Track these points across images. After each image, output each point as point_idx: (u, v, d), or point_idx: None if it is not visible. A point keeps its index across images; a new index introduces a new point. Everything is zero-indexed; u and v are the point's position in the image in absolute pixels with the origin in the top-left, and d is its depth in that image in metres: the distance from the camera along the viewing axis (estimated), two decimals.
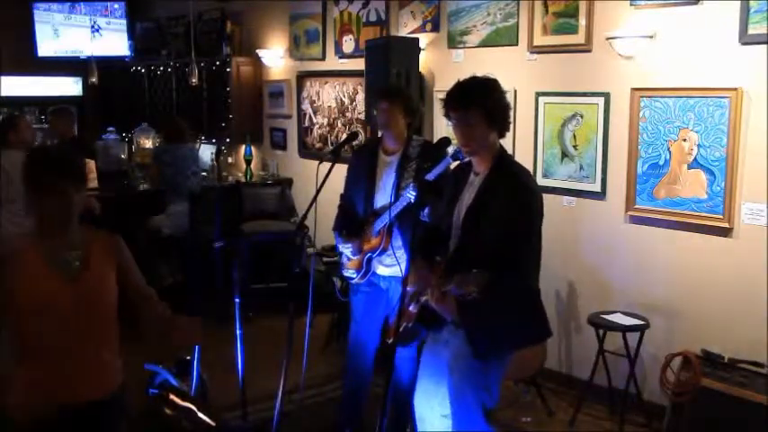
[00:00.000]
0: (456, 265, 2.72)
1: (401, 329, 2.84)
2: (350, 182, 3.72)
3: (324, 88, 6.50)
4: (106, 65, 8.04)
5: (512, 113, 2.86)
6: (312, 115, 6.69)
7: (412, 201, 3.22)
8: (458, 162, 2.93)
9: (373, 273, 3.57)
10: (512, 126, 2.89)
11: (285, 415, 3.62)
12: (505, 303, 2.69)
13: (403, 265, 3.48)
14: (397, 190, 3.46)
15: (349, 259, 3.62)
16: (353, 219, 3.62)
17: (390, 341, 2.98)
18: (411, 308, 2.87)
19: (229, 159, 7.53)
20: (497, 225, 2.60)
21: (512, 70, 4.69)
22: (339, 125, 6.35)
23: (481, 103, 2.70)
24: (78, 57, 8.16)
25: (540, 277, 2.76)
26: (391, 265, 3.51)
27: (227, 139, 7.42)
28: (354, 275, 3.61)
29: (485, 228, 2.64)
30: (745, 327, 3.75)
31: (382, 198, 3.53)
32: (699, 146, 3.91)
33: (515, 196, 2.64)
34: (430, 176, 2.98)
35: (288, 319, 3.41)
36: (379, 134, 3.72)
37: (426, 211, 3.13)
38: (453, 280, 2.58)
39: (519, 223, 2.61)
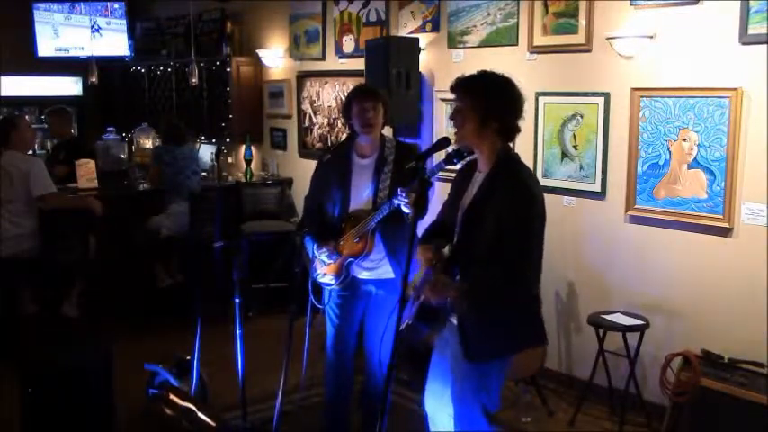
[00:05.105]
0: (454, 261, 2.72)
1: (403, 327, 2.83)
2: (319, 185, 3.60)
3: (324, 88, 6.51)
4: (106, 65, 8.05)
5: (521, 120, 2.79)
6: (312, 115, 6.69)
7: (403, 208, 3.16)
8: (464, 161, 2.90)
9: (353, 277, 3.49)
10: (516, 132, 2.82)
11: (285, 415, 3.62)
12: (499, 306, 2.69)
13: (384, 268, 3.48)
14: (376, 194, 3.40)
15: (325, 265, 3.51)
16: (329, 224, 3.51)
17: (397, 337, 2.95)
18: (413, 307, 2.86)
19: (229, 159, 7.53)
20: (494, 224, 2.59)
21: (512, 70, 4.58)
22: (339, 125, 6.35)
23: (477, 93, 2.67)
24: (78, 57, 8.16)
25: (541, 277, 2.76)
26: (372, 269, 3.46)
27: (227, 139, 7.43)
28: (333, 281, 3.50)
29: (482, 226, 2.64)
30: (745, 327, 3.74)
31: (357, 202, 3.45)
32: (699, 146, 3.91)
33: (513, 196, 2.62)
34: (430, 176, 2.94)
35: (288, 318, 3.41)
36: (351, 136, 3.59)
37: (403, 194, 3.07)
38: (434, 282, 2.59)
39: (515, 223, 2.59)
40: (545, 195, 2.77)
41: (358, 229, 3.39)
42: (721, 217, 3.84)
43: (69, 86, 9.14)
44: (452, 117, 2.75)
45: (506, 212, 2.59)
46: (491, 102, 2.68)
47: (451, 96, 2.79)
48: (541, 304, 2.87)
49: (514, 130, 2.76)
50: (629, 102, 4.19)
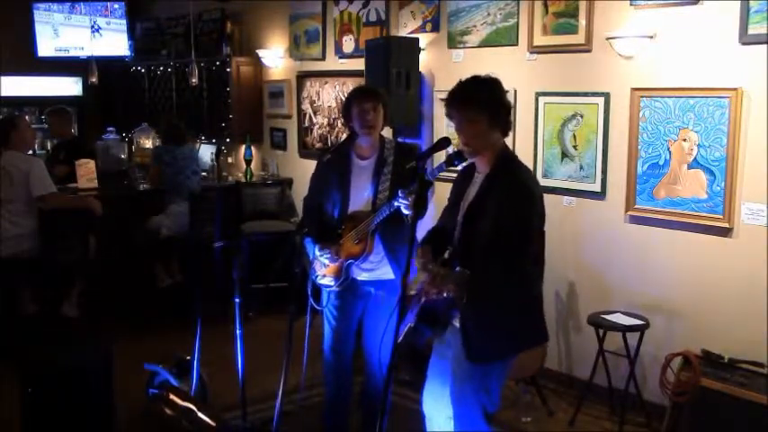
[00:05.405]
0: (454, 261, 2.72)
1: (405, 331, 2.83)
2: (319, 186, 3.59)
3: (324, 88, 6.51)
4: (106, 65, 8.04)
5: (513, 114, 2.85)
6: (312, 115, 6.69)
7: (403, 210, 3.16)
8: (465, 163, 2.90)
9: (352, 278, 3.48)
10: (512, 126, 2.88)
11: (285, 415, 3.62)
12: (501, 305, 2.70)
13: (384, 269, 3.47)
14: (376, 195, 3.40)
15: (325, 266, 3.51)
16: (329, 225, 3.51)
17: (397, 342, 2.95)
18: (414, 309, 2.86)
19: (229, 159, 7.53)
20: (492, 223, 2.60)
21: (512, 70, 4.68)
22: (339, 125, 6.35)
23: (483, 102, 2.69)
24: (78, 57, 8.16)
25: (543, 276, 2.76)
26: (371, 270, 3.46)
27: (227, 139, 7.42)
28: (332, 283, 3.49)
29: (482, 225, 2.65)
30: (745, 327, 3.74)
31: (356, 204, 3.45)
32: (699, 146, 3.91)
33: (511, 195, 2.64)
34: (429, 176, 2.93)
35: (288, 319, 3.41)
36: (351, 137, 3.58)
37: (403, 195, 3.08)
38: (433, 275, 2.59)
39: (514, 220, 2.60)
40: (545, 195, 2.78)
41: (358, 230, 3.39)
42: (721, 217, 3.84)
43: (69, 86, 9.14)
44: (458, 131, 2.74)
45: (505, 210, 2.61)
46: (491, 104, 2.71)
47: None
48: (542, 303, 2.87)
49: (510, 126, 2.82)
50: (629, 102, 4.19)
